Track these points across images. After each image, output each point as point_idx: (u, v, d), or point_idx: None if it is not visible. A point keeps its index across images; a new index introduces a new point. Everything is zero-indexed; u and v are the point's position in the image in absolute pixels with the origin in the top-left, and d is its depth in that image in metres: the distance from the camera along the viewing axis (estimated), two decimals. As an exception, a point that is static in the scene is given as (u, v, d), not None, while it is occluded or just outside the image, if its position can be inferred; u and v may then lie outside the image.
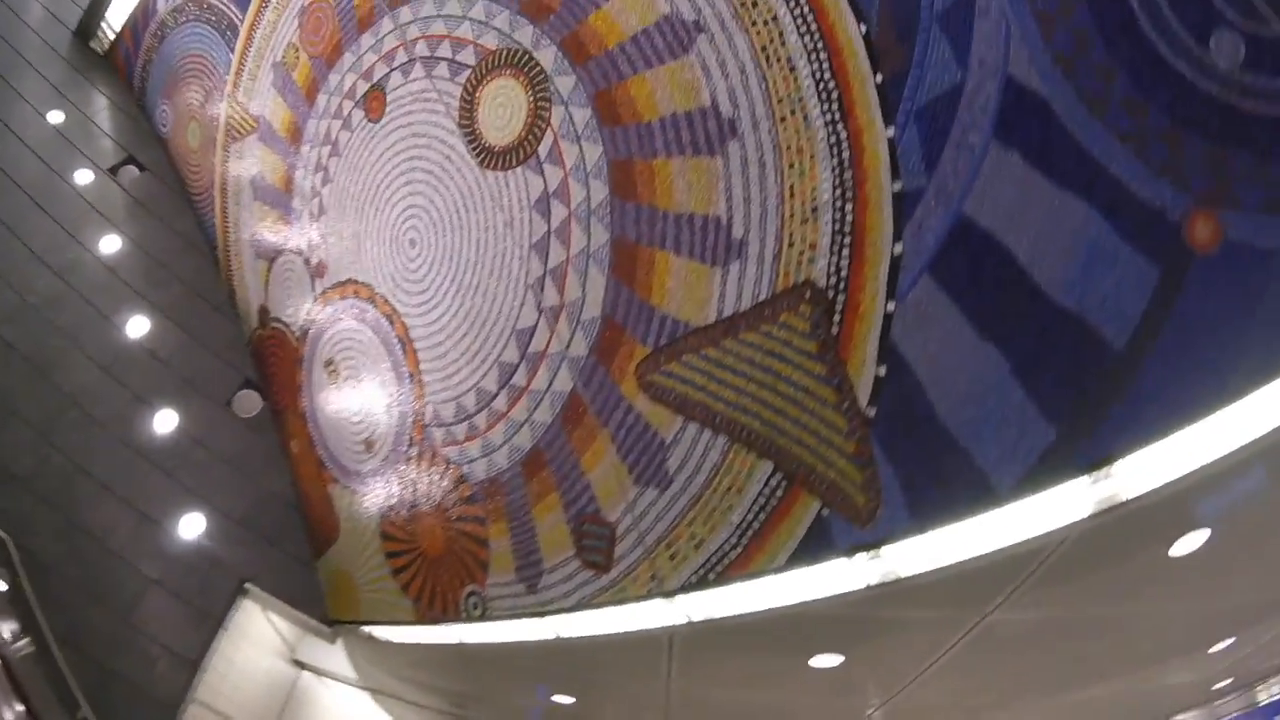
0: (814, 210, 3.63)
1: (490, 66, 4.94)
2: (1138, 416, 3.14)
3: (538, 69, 4.70)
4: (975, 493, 3.46)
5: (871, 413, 3.62)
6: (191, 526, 5.96)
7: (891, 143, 3.41)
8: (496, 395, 4.92)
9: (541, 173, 4.73)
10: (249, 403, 6.77)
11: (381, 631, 6.02)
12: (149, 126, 8.03)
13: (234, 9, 6.92)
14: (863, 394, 3.62)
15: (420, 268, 5.39)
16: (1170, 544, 3.99)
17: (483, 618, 5.20)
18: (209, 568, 5.89)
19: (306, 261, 6.35)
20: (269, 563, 6.14)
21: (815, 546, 3.91)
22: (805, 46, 3.67)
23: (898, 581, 4.03)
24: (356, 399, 5.92)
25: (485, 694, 6.97)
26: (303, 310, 6.39)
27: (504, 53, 4.85)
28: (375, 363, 5.71)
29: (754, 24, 3.88)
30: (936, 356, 3.43)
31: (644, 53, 4.22)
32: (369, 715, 7.53)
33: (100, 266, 6.80)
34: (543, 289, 4.66)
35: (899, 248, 3.44)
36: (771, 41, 3.86)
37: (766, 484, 3.96)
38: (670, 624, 4.83)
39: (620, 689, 6.03)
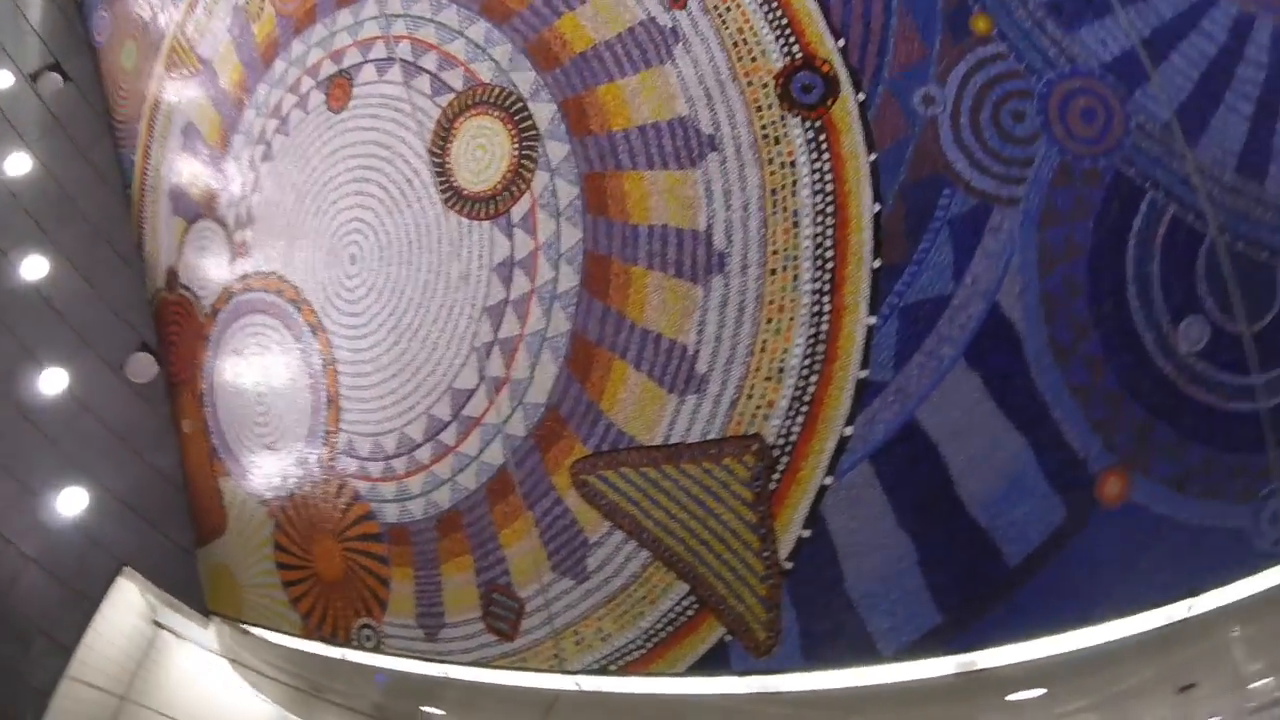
0: (780, 371, 3.67)
1: (477, 100, 4.59)
2: (1010, 623, 3.64)
3: (530, 124, 4.41)
4: (861, 651, 3.87)
5: (788, 566, 3.82)
6: (72, 502, 5.53)
7: (870, 331, 3.48)
8: (420, 445, 4.76)
9: (510, 236, 4.51)
10: (143, 367, 6.26)
11: (261, 632, 5.91)
12: (83, 31, 7.05)
13: None
14: (784, 548, 3.80)
15: (358, 289, 5.07)
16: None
17: (375, 650, 5.19)
18: (88, 547, 5.53)
19: (229, 235, 5.83)
20: (150, 546, 5.80)
21: (713, 664, 4.14)
22: (815, 205, 3.62)
23: (777, 694, 4.39)
24: (263, 399, 5.59)
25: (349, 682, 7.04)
26: (216, 285, 5.88)
27: (497, 90, 4.51)
28: (291, 371, 5.37)
29: (770, 161, 3.76)
30: (857, 533, 3.65)
31: (649, 150, 4.02)
32: (226, 679, 7.46)
33: (3, 190, 6.03)
34: (488, 356, 4.51)
35: (849, 430, 3.57)
36: (783, 186, 3.77)
37: (680, 602, 4.09)
38: (559, 687, 5.02)
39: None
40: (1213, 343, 3.24)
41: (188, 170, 6.20)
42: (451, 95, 4.65)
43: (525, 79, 4.41)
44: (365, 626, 5.13)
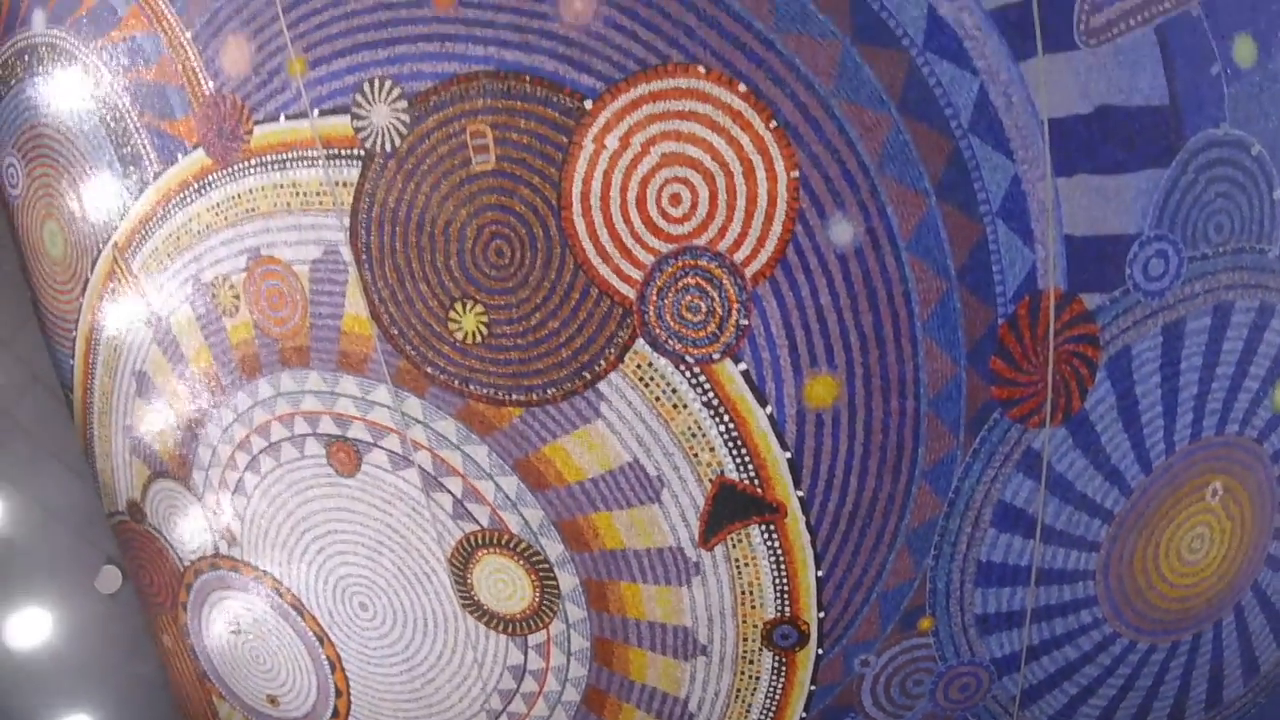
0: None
1: (504, 544, 4.97)
2: None
3: (554, 584, 4.88)
4: None
5: None
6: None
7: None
8: (431, 762, 5.75)
9: (525, 651, 5.20)
10: (111, 580, 6.34)
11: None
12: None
13: (146, 143, 5.15)
14: None
15: (369, 631, 5.52)
16: None
17: None
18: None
19: (208, 516, 5.83)
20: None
21: None
22: (763, 704, 4.83)
23: None
24: (264, 667, 6.09)
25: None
26: (195, 549, 5.96)
27: (524, 545, 4.90)
28: (295, 659, 5.86)
29: (742, 673, 4.74)
30: None
31: (654, 637, 4.81)
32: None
33: None
34: (505, 710, 5.44)
35: None
36: (746, 688, 4.85)
37: None
38: None
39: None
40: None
41: (146, 423, 5.84)
42: (476, 528, 5.00)
43: (554, 549, 4.87)
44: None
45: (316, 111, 4.60)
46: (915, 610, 4.61)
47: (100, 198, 5.54)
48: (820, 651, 4.70)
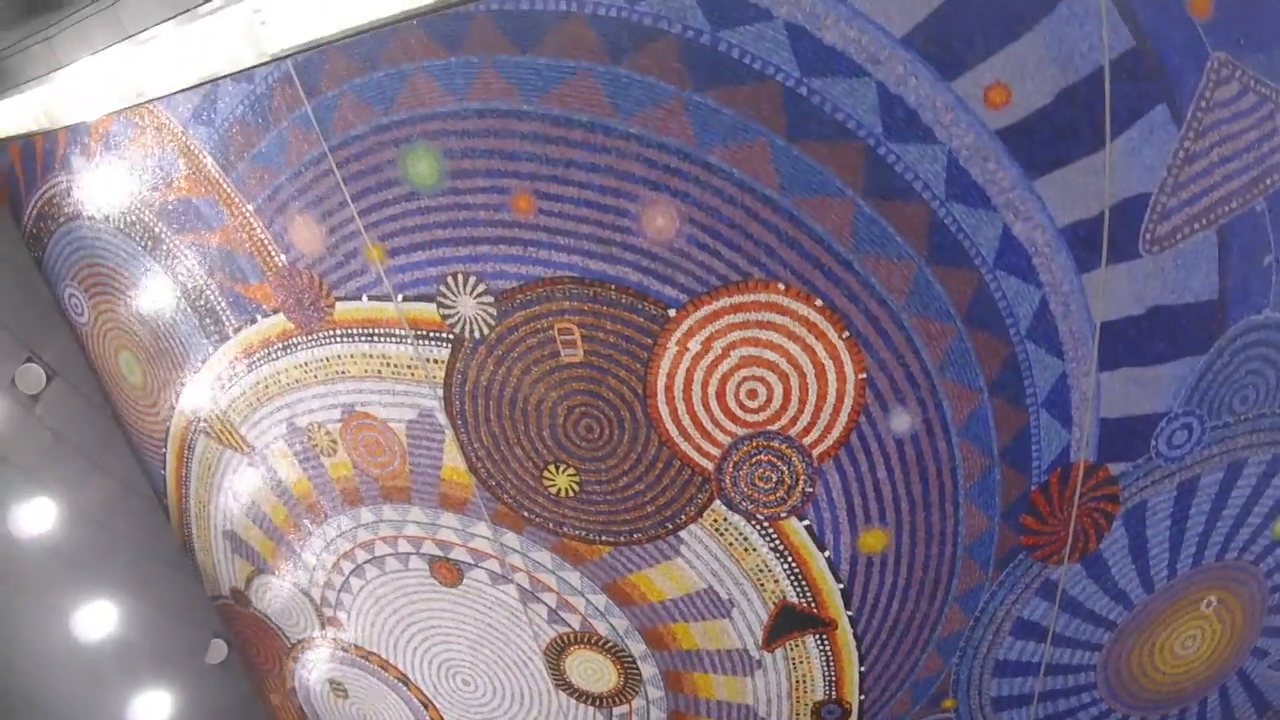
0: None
1: (593, 642, 5.75)
2: None
3: (636, 672, 5.78)
4: None
5: None
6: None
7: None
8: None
9: (610, 718, 6.14)
10: (217, 651, 7.04)
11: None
12: (51, 299, 5.90)
13: (221, 302, 5.38)
14: None
15: (470, 700, 6.41)
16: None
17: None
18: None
19: (315, 607, 6.48)
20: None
21: None
22: None
23: None
24: (368, 718, 6.95)
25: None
26: (303, 638, 6.68)
27: (611, 644, 5.70)
28: (401, 717, 6.77)
29: None
30: None
31: (721, 717, 5.83)
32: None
33: (36, 548, 5.86)
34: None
35: None
36: None
37: None
38: None
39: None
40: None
41: (245, 527, 6.38)
42: (568, 630, 5.77)
43: (637, 648, 5.68)
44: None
45: (400, 297, 4.92)
46: (940, 694, 5.60)
47: (175, 343, 5.83)
48: (860, 721, 5.72)
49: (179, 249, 5.48)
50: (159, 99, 4.89)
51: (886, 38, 3.77)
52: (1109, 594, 5.12)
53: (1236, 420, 4.77)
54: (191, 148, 4.98)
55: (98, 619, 6.29)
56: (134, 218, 5.55)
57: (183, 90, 4.76)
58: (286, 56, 4.34)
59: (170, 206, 5.37)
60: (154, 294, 5.69)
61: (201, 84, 4.65)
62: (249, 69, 4.47)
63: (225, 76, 4.58)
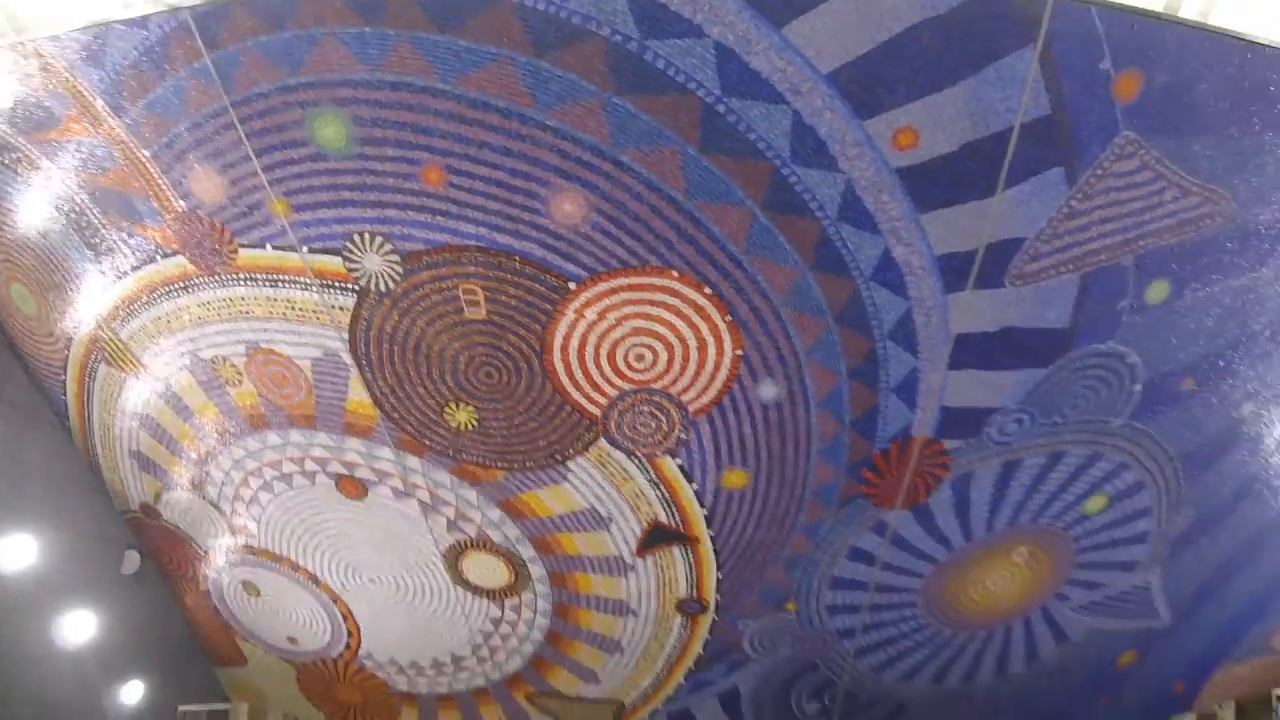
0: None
1: (488, 547, 6.45)
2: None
3: (526, 571, 6.63)
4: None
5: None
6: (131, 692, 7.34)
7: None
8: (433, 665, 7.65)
9: (501, 610, 6.96)
10: (131, 562, 7.24)
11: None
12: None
13: (117, 240, 5.26)
14: None
15: (376, 593, 7.07)
16: None
17: None
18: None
19: (224, 518, 6.79)
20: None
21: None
22: (672, 646, 7.11)
23: None
24: (283, 619, 7.48)
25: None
26: (214, 546, 7.01)
27: (505, 549, 6.44)
28: (312, 612, 7.34)
29: (660, 628, 6.91)
30: None
31: (600, 606, 6.79)
32: None
33: None
34: (486, 643, 7.37)
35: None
36: (663, 633, 7.04)
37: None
38: None
39: None
40: None
41: (152, 447, 6.51)
42: (465, 536, 6.44)
43: (527, 552, 6.48)
44: None
45: (306, 249, 5.07)
46: (784, 598, 6.76)
47: (69, 276, 5.70)
48: (715, 618, 6.86)
49: (72, 187, 5.27)
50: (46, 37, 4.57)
51: (812, 71, 3.99)
52: (934, 537, 6.27)
53: (1065, 421, 5.53)
54: (81, 89, 4.73)
55: (17, 551, 6.33)
56: (20, 155, 5.24)
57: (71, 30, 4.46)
58: (186, 8, 4.19)
59: (61, 146, 5.11)
60: (45, 228, 5.50)
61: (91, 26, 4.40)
62: (142, 17, 4.28)
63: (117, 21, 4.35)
